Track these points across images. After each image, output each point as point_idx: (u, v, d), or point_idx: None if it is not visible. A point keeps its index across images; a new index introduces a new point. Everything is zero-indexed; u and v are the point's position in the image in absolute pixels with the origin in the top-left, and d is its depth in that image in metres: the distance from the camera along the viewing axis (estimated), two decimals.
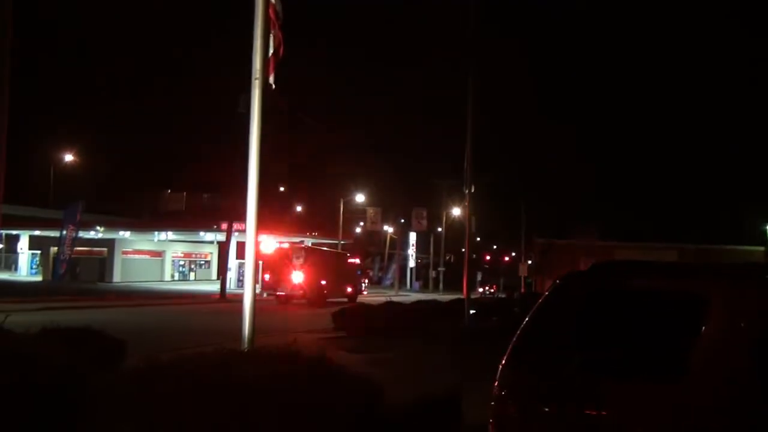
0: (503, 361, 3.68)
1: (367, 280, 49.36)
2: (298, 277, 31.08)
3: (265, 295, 31.66)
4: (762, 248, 45.91)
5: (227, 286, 34.70)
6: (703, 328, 3.11)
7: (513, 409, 3.56)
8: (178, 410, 3.76)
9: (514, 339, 3.69)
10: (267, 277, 32.24)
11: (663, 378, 3.09)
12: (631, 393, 3.15)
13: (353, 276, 38.41)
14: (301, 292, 31.09)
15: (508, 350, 3.68)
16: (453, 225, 62.08)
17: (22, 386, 4.37)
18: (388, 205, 61.66)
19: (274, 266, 31.85)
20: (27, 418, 4.31)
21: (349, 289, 35.62)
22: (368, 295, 40.48)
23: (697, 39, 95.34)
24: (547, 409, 3.39)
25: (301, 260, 31.61)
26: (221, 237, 42.78)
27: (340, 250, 44.15)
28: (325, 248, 41.51)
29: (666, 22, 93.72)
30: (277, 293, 31.38)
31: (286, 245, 34.41)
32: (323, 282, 32.24)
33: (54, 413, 4.38)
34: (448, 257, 71.78)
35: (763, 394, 2.92)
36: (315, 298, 30.54)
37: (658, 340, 3.25)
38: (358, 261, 43.11)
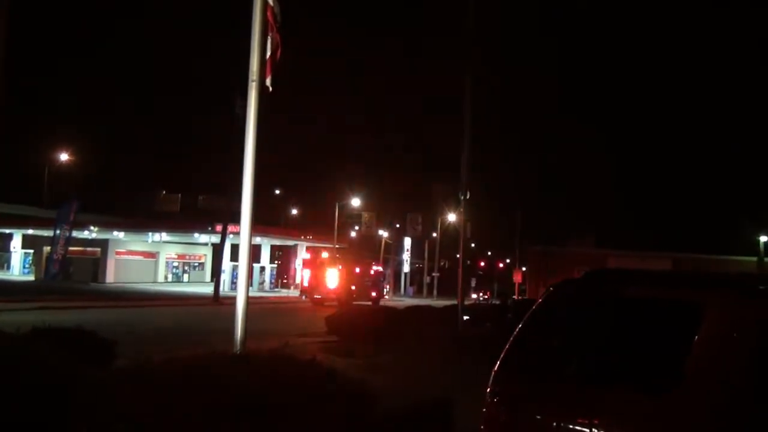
0: (495, 368, 3.66)
1: (388, 286, 54.59)
2: (332, 282, 35.77)
3: (303, 297, 36.97)
4: (755, 259, 46.07)
5: (221, 288, 34.71)
6: (697, 337, 3.10)
7: (505, 415, 3.55)
8: (168, 413, 3.73)
9: (507, 346, 3.68)
10: (306, 282, 37.24)
11: (656, 386, 3.08)
12: (623, 401, 3.14)
13: (377, 282, 42.98)
14: (334, 295, 35.26)
15: (501, 357, 3.67)
16: (448, 231, 62.07)
17: (11, 386, 4.33)
18: (383, 209, 61.69)
19: (312, 273, 36.85)
20: (16, 418, 4.27)
21: (374, 294, 39.92)
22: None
23: (692, 43, 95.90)
24: (539, 417, 3.38)
25: (336, 270, 36.33)
26: (215, 239, 43.05)
27: (366, 259, 48.72)
28: (357, 258, 46.17)
29: (661, 32, 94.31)
30: (314, 296, 35.83)
31: (324, 254, 39.17)
32: (353, 287, 36.84)
33: (44, 414, 4.34)
34: (442, 263, 71.71)
35: (757, 403, 2.91)
36: (345, 301, 34.04)
37: (651, 349, 3.24)
38: (381, 269, 48.25)
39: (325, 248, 47.08)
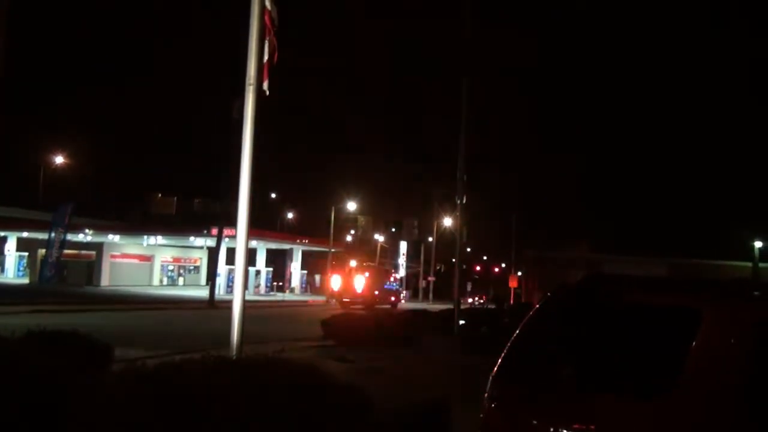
0: (493, 373, 3.65)
1: (405, 292, 59.66)
2: (359, 288, 41.53)
3: (333, 301, 42.01)
4: (749, 264, 46.28)
5: (216, 291, 34.61)
6: (694, 342, 3.11)
7: (502, 420, 3.54)
8: (166, 417, 3.72)
9: (504, 351, 3.67)
10: (336, 287, 42.78)
11: (653, 392, 3.08)
12: (620, 407, 3.14)
13: (396, 288, 49.33)
14: (361, 299, 40.41)
15: (498, 362, 3.66)
16: (444, 235, 62.13)
17: (7, 389, 4.30)
18: (379, 213, 61.78)
19: (342, 279, 42.58)
20: (14, 420, 4.24)
21: (393, 298, 45.58)
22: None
23: (688, 50, 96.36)
24: (535, 422, 3.37)
25: (363, 276, 42.13)
26: (211, 242, 43.20)
27: (387, 268, 55.41)
28: (380, 267, 52.86)
29: (656, 40, 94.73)
30: (343, 299, 40.69)
31: (352, 263, 45.72)
32: (376, 292, 42.51)
33: (41, 416, 4.32)
34: (438, 267, 71.75)
35: (753, 409, 2.92)
36: (370, 304, 38.75)
37: (648, 355, 3.24)
38: (399, 276, 55.31)
39: (322, 252, 48.99)
